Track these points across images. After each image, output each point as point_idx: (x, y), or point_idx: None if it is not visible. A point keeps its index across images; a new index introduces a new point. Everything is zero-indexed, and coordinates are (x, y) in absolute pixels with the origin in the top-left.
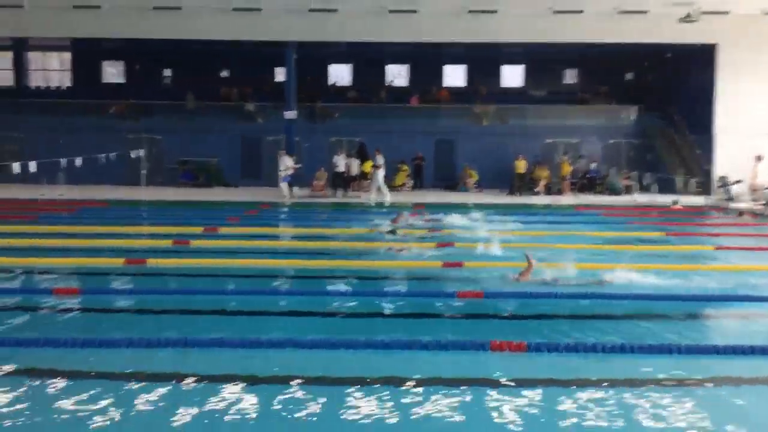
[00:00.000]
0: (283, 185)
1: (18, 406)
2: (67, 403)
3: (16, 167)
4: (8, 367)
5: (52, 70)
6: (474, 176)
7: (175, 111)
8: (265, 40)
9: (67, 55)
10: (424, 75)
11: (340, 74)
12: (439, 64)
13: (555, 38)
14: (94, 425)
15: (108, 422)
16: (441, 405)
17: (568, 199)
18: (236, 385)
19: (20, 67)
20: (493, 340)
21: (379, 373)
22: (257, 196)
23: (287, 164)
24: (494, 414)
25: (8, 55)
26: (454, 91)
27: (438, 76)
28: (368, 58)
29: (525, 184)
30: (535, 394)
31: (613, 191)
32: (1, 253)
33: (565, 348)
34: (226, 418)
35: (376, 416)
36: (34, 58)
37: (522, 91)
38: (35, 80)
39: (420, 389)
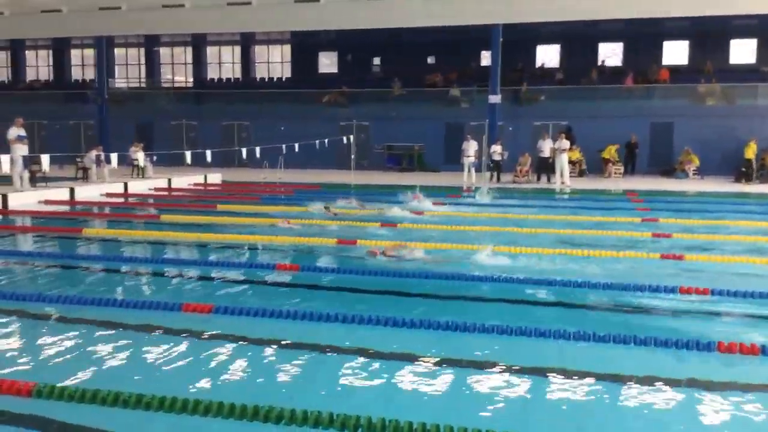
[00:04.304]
0: (470, 172)
1: (232, 370)
2: (278, 371)
3: (243, 152)
4: (229, 334)
5: (274, 63)
6: (695, 161)
7: (382, 98)
8: (472, 24)
9: (288, 48)
10: (641, 53)
11: (547, 55)
12: (657, 40)
13: None
14: (305, 394)
15: (318, 391)
16: (663, 405)
17: None
18: (451, 367)
19: (247, 60)
20: (721, 340)
21: (595, 368)
22: (459, 181)
23: (475, 149)
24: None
25: (237, 50)
26: (675, 70)
27: (656, 53)
28: (578, 37)
29: (755, 170)
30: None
31: None
32: (231, 230)
33: None
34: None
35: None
36: (259, 51)
37: (754, 68)
38: (260, 72)
39: (638, 386)
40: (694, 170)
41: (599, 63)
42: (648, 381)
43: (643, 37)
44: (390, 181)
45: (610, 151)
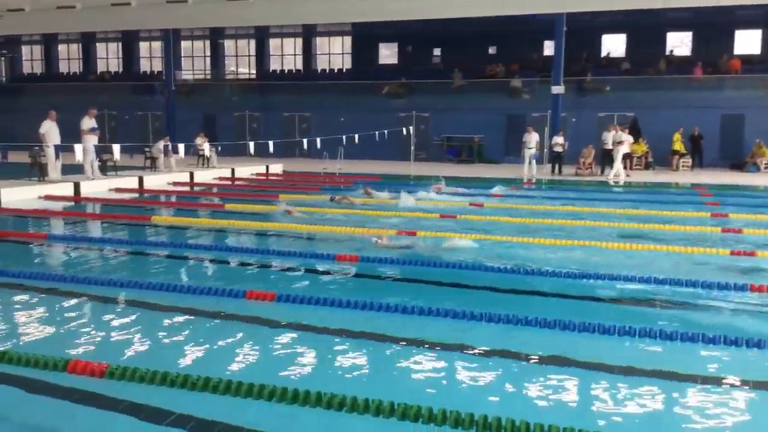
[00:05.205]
0: (531, 164)
1: (291, 358)
2: (337, 358)
3: (304, 143)
4: (288, 322)
5: (335, 54)
6: (767, 154)
7: (442, 89)
8: (535, 14)
9: (348, 39)
10: (711, 42)
11: (613, 44)
12: (729, 29)
13: None
14: (361, 380)
15: (376, 379)
16: (732, 405)
17: None
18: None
19: (308, 52)
20: None
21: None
22: (519, 173)
23: (536, 141)
24: None
25: (298, 42)
26: (747, 59)
27: (727, 43)
28: (645, 26)
29: None
30: None
31: None
32: (291, 219)
33: None
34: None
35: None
36: (320, 43)
37: None
38: (321, 64)
39: (705, 386)
40: (766, 164)
41: (667, 53)
42: (717, 381)
43: (713, 25)
44: (449, 173)
45: (675, 139)
